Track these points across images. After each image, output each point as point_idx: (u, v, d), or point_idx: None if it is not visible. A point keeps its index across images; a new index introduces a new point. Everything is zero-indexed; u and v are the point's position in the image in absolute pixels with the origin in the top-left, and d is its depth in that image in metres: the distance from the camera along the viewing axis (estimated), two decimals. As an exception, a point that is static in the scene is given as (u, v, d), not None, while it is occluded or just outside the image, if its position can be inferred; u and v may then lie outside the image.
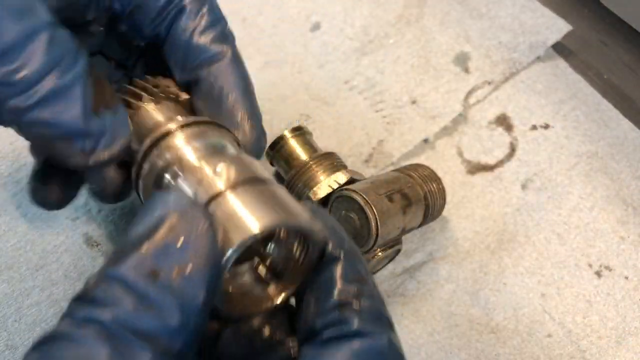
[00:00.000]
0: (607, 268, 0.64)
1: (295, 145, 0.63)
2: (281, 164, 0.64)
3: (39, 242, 0.62)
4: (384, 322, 0.35)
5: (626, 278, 0.64)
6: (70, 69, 0.36)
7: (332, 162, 0.61)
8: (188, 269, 0.30)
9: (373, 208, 0.54)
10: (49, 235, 0.62)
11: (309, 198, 0.59)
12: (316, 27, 0.76)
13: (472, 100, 0.72)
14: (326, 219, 0.38)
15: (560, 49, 0.77)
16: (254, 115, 0.47)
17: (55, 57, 0.35)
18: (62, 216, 0.63)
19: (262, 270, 0.40)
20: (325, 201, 0.59)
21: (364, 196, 0.54)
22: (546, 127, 0.71)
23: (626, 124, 0.72)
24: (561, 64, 0.76)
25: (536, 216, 0.66)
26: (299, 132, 0.64)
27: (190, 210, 0.31)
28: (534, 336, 0.61)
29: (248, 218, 0.34)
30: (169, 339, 0.29)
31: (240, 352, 0.38)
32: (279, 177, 0.67)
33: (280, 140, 0.63)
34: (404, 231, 0.59)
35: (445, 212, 0.65)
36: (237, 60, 0.47)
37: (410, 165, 0.64)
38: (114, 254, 0.30)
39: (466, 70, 0.74)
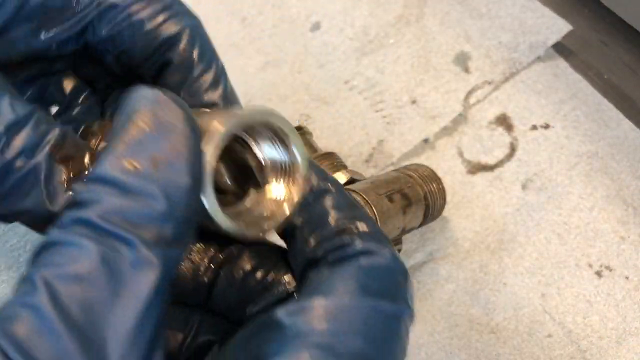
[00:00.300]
0: (608, 268, 0.64)
1: None
2: None
3: (39, 241, 0.62)
4: (383, 240, 0.35)
5: (627, 278, 0.64)
6: (29, 159, 0.35)
7: (332, 162, 0.61)
8: (165, 156, 0.30)
9: (373, 208, 0.54)
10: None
11: None
12: (316, 27, 0.76)
13: (472, 100, 0.72)
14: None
15: (560, 48, 0.77)
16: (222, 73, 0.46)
17: (8, 158, 0.35)
18: (62, 216, 0.63)
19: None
20: None
21: (364, 196, 0.54)
22: (546, 127, 0.71)
23: (626, 124, 0.72)
24: (561, 63, 0.76)
25: (536, 216, 0.66)
26: (299, 132, 0.64)
27: (161, 98, 0.31)
28: (534, 336, 0.61)
29: (228, 113, 0.34)
30: (158, 226, 0.29)
31: (235, 297, 0.38)
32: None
33: None
34: (404, 231, 0.59)
35: (445, 212, 0.65)
36: (197, 33, 0.44)
37: (410, 165, 0.64)
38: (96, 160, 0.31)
39: (466, 70, 0.74)
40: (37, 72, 0.47)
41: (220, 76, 0.45)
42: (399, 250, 0.61)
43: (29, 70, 0.45)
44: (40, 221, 0.36)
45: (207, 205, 0.33)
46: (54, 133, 0.36)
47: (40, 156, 0.36)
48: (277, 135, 0.37)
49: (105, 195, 0.29)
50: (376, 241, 0.35)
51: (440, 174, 0.63)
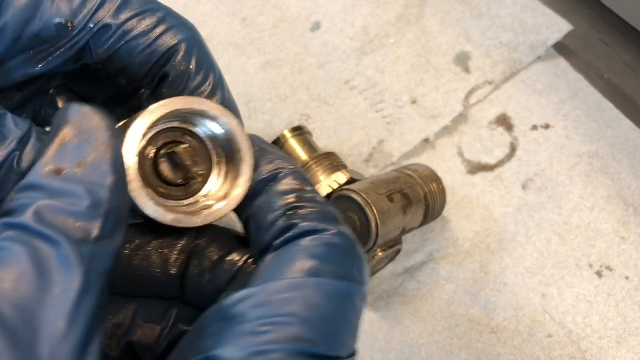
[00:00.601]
0: (608, 268, 0.64)
1: (295, 145, 0.63)
2: None
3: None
4: (331, 219, 0.36)
5: (627, 278, 0.64)
6: None
7: (332, 162, 0.61)
8: (88, 160, 0.32)
9: (373, 208, 0.54)
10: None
11: None
12: (316, 27, 0.76)
13: (472, 100, 0.72)
14: (255, 138, 0.41)
15: (561, 48, 0.77)
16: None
17: (23, 169, 0.37)
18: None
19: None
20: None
21: (364, 196, 0.54)
22: (547, 127, 0.71)
23: (627, 124, 0.72)
24: (562, 63, 0.76)
25: (537, 216, 0.66)
26: (299, 132, 0.64)
27: (85, 111, 0.33)
28: (534, 336, 0.61)
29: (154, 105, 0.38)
30: (85, 224, 0.30)
31: (207, 287, 0.39)
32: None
33: (280, 140, 0.63)
34: (405, 231, 0.59)
35: (445, 212, 0.65)
36: (194, 45, 0.45)
37: (411, 165, 0.64)
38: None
39: (467, 70, 0.74)
40: (33, 92, 0.48)
41: (218, 86, 0.45)
42: (399, 251, 0.61)
43: (26, 89, 0.47)
44: None
45: (134, 199, 0.36)
46: None
47: None
48: (219, 124, 0.40)
49: (33, 200, 0.30)
50: (322, 220, 0.35)
51: (440, 174, 0.63)
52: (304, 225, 0.35)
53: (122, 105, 0.51)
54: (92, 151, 0.32)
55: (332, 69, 0.73)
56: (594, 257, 0.65)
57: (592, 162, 0.69)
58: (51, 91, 0.49)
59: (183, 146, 0.41)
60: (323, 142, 0.69)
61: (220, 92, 0.45)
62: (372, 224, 0.54)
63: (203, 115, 0.39)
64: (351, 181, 0.60)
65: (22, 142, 0.38)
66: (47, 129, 0.48)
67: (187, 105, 0.38)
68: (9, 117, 0.38)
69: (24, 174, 0.37)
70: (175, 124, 0.41)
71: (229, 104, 0.46)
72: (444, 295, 0.63)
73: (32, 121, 0.39)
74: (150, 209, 0.37)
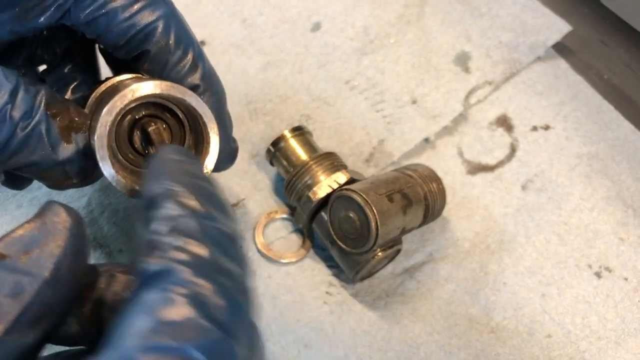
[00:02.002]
0: (607, 269, 0.64)
1: (295, 145, 0.63)
2: (281, 164, 0.64)
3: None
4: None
5: (626, 279, 0.64)
6: (29, 119, 0.41)
7: (333, 162, 0.61)
8: (36, 252, 0.33)
9: (373, 208, 0.54)
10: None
11: (308, 198, 0.60)
12: (317, 27, 0.76)
13: (472, 100, 0.72)
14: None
15: (560, 48, 0.77)
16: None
17: (15, 120, 0.41)
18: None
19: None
20: (325, 201, 0.60)
21: (364, 196, 0.55)
22: (547, 128, 0.71)
23: (627, 126, 0.72)
24: (562, 64, 0.76)
25: (536, 217, 0.66)
26: (299, 131, 0.64)
27: (57, 209, 0.35)
28: (534, 336, 0.61)
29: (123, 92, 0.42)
30: (18, 313, 0.31)
31: None
32: (278, 178, 0.67)
33: (280, 140, 0.63)
34: (404, 231, 0.59)
35: (445, 213, 0.66)
36: (172, 21, 0.47)
37: (411, 165, 0.64)
38: None
39: (467, 70, 0.74)
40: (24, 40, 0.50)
41: (199, 59, 0.48)
42: (399, 251, 0.61)
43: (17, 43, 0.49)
44: (47, 170, 0.43)
45: (102, 169, 0.41)
46: (43, 93, 0.43)
47: (39, 115, 0.42)
48: (186, 108, 0.44)
49: None
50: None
51: (440, 174, 0.63)
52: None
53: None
54: (44, 245, 0.33)
55: (332, 68, 0.73)
56: (593, 258, 0.65)
57: (591, 163, 0.69)
58: (45, 32, 0.51)
59: (154, 121, 0.45)
60: (323, 142, 0.69)
61: (201, 65, 0.48)
62: (372, 223, 0.54)
63: (176, 100, 0.44)
64: (351, 181, 0.60)
65: (13, 95, 0.41)
66: (41, 68, 0.53)
67: (166, 91, 0.43)
68: (19, 89, 0.41)
69: (15, 125, 0.41)
70: (161, 100, 0.45)
71: (210, 78, 0.49)
72: (444, 295, 0.63)
73: (18, 72, 0.42)
74: (107, 172, 0.42)
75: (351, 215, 0.56)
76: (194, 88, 0.47)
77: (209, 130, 0.45)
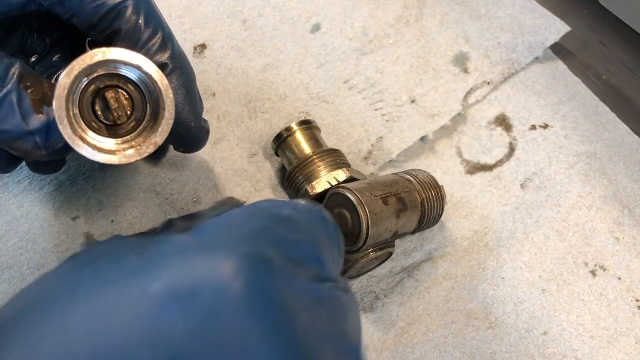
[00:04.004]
0: (602, 268, 0.65)
1: (300, 139, 0.63)
2: (286, 155, 0.64)
3: (40, 241, 0.62)
4: None
5: (619, 279, 0.64)
6: (0, 87, 0.44)
7: (335, 159, 0.61)
8: None
9: (366, 208, 0.54)
10: (50, 235, 0.62)
11: (306, 191, 0.60)
12: (316, 28, 0.76)
13: (471, 100, 0.72)
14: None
15: (558, 49, 0.77)
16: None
17: None
18: (63, 215, 0.63)
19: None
20: (322, 197, 0.60)
21: (358, 196, 0.55)
22: (545, 126, 0.72)
23: (623, 127, 0.73)
24: (560, 65, 0.76)
25: (535, 214, 0.67)
26: (307, 125, 0.64)
27: None
28: (531, 333, 0.61)
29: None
30: None
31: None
32: (277, 177, 0.67)
33: (286, 132, 0.63)
34: (397, 235, 0.59)
35: (444, 212, 0.66)
36: (141, 2, 0.50)
37: (412, 170, 0.64)
38: None
39: (465, 70, 0.74)
40: (14, 24, 0.53)
41: (168, 39, 0.51)
42: (390, 254, 0.61)
43: (6, 23, 0.51)
44: (17, 138, 0.45)
45: (60, 130, 0.43)
46: (17, 66, 0.45)
47: (11, 85, 0.44)
48: (147, 76, 0.45)
49: None
50: None
51: (439, 174, 0.63)
52: None
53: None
54: None
55: (331, 68, 0.73)
56: (589, 256, 0.65)
57: (590, 162, 0.69)
58: (35, 25, 0.54)
59: (114, 89, 0.46)
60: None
61: (170, 45, 0.50)
62: (363, 224, 0.54)
63: (132, 65, 0.45)
64: (350, 179, 0.60)
65: None
66: (33, 58, 0.55)
67: (124, 57, 0.44)
68: None
69: None
70: (124, 72, 0.46)
71: (179, 57, 0.51)
72: (442, 292, 0.63)
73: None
74: (65, 133, 0.43)
75: (344, 212, 0.56)
76: (162, 66, 0.49)
77: (164, 97, 0.46)
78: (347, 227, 0.56)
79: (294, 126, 0.63)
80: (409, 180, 0.61)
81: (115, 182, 0.65)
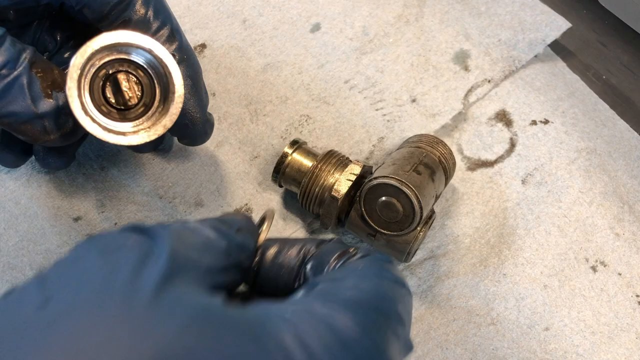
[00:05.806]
0: (602, 263, 0.64)
1: (298, 158, 0.63)
2: (291, 179, 0.63)
3: (42, 242, 0.62)
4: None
5: (619, 274, 0.64)
6: (12, 70, 0.45)
7: (338, 158, 0.61)
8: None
9: (410, 185, 0.55)
10: (51, 235, 0.62)
11: (332, 197, 0.59)
12: (316, 28, 0.76)
13: (472, 98, 0.72)
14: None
15: (559, 49, 0.77)
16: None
17: None
18: (64, 215, 0.63)
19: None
20: (352, 196, 0.60)
21: (397, 177, 0.55)
22: (546, 122, 0.72)
23: (622, 124, 0.73)
24: (559, 64, 0.76)
25: (536, 209, 0.66)
26: (297, 144, 0.63)
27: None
28: (533, 329, 0.61)
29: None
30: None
31: (276, 279, 0.43)
32: (291, 195, 0.67)
33: (284, 159, 0.63)
34: (437, 198, 0.61)
35: (445, 210, 0.66)
36: None
37: (412, 137, 0.65)
38: None
39: (466, 68, 0.74)
40: (28, 21, 0.54)
41: (176, 32, 0.52)
42: (433, 219, 0.62)
43: (21, 19, 0.52)
44: (26, 122, 0.46)
45: (73, 111, 0.44)
46: (28, 51, 0.46)
47: (22, 68, 0.45)
48: (157, 60, 0.47)
49: None
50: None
51: (440, 172, 0.63)
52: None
53: None
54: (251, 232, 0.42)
55: (331, 68, 0.73)
56: (590, 252, 0.65)
57: (590, 157, 0.69)
58: (47, 23, 0.56)
59: (124, 74, 0.47)
60: (323, 142, 0.69)
61: (178, 38, 0.52)
62: (414, 200, 0.55)
63: (144, 49, 0.46)
64: (363, 169, 0.60)
65: None
66: (44, 55, 0.56)
67: (136, 40, 0.46)
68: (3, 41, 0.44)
69: None
70: (134, 58, 0.47)
71: (187, 50, 0.53)
72: (444, 290, 0.63)
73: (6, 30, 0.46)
74: (76, 110, 0.44)
75: (390, 200, 0.56)
76: None
77: (174, 81, 0.47)
78: (398, 212, 0.56)
79: (288, 150, 0.63)
80: (419, 146, 0.62)
81: (116, 183, 0.65)
